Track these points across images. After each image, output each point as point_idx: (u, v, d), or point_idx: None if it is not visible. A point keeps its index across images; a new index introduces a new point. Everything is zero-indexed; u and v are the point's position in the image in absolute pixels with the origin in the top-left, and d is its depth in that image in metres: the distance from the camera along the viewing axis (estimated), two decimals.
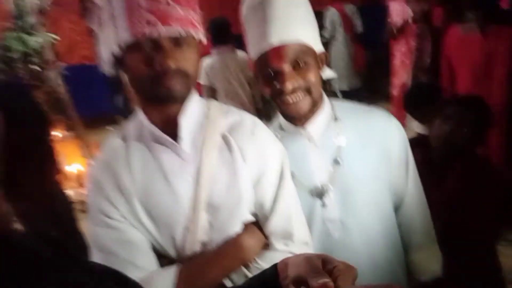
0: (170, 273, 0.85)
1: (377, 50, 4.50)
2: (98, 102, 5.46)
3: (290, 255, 0.88)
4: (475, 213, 1.48)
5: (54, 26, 5.90)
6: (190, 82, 0.86)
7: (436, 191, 1.40)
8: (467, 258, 1.43)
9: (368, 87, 4.99)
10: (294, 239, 0.94)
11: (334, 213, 1.07)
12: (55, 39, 4.17)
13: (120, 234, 0.86)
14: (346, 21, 4.74)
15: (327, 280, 0.51)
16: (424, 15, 2.83)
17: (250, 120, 0.98)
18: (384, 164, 1.09)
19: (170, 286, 0.83)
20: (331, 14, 4.77)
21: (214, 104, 0.97)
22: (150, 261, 0.88)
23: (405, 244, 1.17)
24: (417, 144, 1.61)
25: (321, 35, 4.34)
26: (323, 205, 1.06)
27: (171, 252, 0.90)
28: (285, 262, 0.60)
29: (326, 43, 4.96)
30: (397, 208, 1.15)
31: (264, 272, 0.64)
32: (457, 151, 1.55)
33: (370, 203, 1.08)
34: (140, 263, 0.85)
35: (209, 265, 0.88)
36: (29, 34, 3.52)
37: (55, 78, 3.72)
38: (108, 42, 0.84)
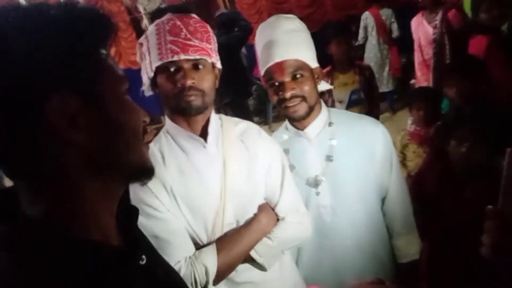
0: (212, 247, 1.05)
1: (412, 53, 4.53)
2: (143, 103, 5.84)
3: (298, 224, 1.18)
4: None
5: None
6: (205, 98, 1.06)
7: (454, 199, 1.50)
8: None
9: (401, 91, 5.04)
10: (300, 211, 1.20)
11: (326, 201, 1.29)
12: None
13: (167, 224, 1.02)
14: (381, 25, 4.81)
15: None
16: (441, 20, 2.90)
17: (254, 126, 1.23)
18: (370, 162, 1.30)
19: (214, 256, 1.03)
20: (365, 18, 4.89)
21: (223, 116, 1.20)
22: (191, 245, 1.06)
23: (389, 231, 1.38)
24: (438, 157, 1.68)
25: (354, 40, 4.41)
26: (317, 193, 1.29)
27: (203, 237, 1.07)
28: None
29: (361, 46, 5.08)
30: (382, 200, 1.36)
31: None
32: (476, 168, 1.54)
33: (357, 193, 1.30)
34: (186, 247, 1.04)
35: (239, 237, 1.08)
36: None
37: None
38: (146, 69, 1.08)
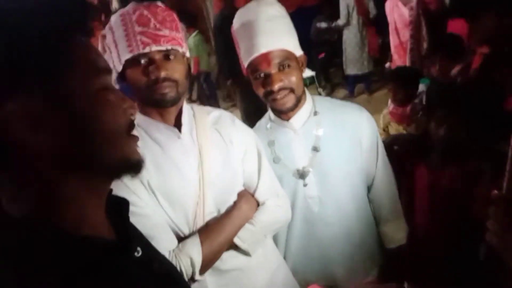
0: (195, 237, 1.03)
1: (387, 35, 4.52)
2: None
3: (278, 207, 1.18)
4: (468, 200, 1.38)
5: None
6: (179, 88, 1.03)
7: (433, 177, 1.49)
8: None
9: (379, 71, 5.06)
10: (279, 195, 1.20)
11: (314, 191, 1.28)
12: None
13: (148, 219, 0.99)
14: (360, 4, 4.77)
15: None
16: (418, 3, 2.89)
17: (227, 114, 1.21)
18: (356, 150, 1.29)
19: (198, 246, 1.02)
20: None
21: (195, 106, 1.17)
22: (174, 238, 1.04)
23: (376, 218, 1.39)
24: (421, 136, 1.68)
25: (337, 22, 4.32)
26: (305, 184, 1.28)
27: (184, 229, 1.06)
28: None
29: (335, 29, 5.04)
30: (369, 188, 1.36)
31: None
32: (456, 150, 1.48)
33: (344, 183, 1.29)
34: (169, 240, 1.02)
35: (221, 226, 1.07)
36: None
37: None
38: (113, 62, 1.02)
